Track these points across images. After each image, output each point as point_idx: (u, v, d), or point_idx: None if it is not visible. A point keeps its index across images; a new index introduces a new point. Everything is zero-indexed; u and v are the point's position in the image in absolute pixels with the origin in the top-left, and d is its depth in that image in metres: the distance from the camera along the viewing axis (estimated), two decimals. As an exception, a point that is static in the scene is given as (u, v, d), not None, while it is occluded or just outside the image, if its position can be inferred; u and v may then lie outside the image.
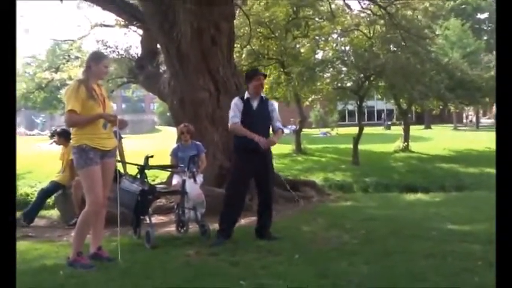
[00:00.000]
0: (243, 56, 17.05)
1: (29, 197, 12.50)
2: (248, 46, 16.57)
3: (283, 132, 5.66)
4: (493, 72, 22.17)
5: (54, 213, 8.31)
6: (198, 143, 6.74)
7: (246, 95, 5.49)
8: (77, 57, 18.92)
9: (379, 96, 24.98)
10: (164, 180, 9.03)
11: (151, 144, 20.61)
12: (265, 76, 5.70)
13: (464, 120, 48.54)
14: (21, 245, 5.55)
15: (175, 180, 6.62)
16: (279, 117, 5.62)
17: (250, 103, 5.43)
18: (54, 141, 8.97)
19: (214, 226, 5.64)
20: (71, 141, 4.65)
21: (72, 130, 4.61)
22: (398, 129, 26.67)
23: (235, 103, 5.45)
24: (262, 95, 5.60)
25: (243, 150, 5.37)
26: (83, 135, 4.42)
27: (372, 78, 18.86)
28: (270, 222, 5.58)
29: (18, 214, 7.79)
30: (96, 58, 4.66)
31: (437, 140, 25.74)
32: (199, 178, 6.33)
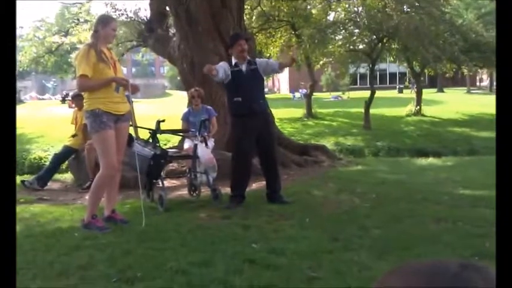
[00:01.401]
0: (253, 18, 16.81)
1: (42, 161, 12.70)
2: (258, 8, 16.31)
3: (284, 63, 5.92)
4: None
5: (68, 176, 8.41)
6: (208, 107, 6.72)
7: (233, 60, 5.48)
8: (86, 21, 18.74)
9: (392, 59, 24.63)
10: (176, 145, 9.08)
11: (161, 109, 20.64)
12: (247, 39, 5.65)
13: (478, 84, 47.87)
14: (36, 208, 5.65)
15: (187, 145, 6.64)
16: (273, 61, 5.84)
17: (239, 68, 5.42)
18: (69, 104, 9.02)
19: (226, 190, 5.68)
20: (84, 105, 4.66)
21: (85, 94, 4.61)
22: (410, 93, 26.38)
23: (221, 65, 5.45)
24: (250, 58, 5.57)
25: (239, 114, 5.42)
26: (96, 100, 4.42)
27: (384, 40, 18.59)
28: (279, 186, 5.62)
29: (32, 177, 7.93)
30: (104, 21, 4.62)
31: (450, 104, 25.50)
32: (211, 142, 6.34)
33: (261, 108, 5.45)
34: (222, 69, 5.33)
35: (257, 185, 6.47)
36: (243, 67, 5.43)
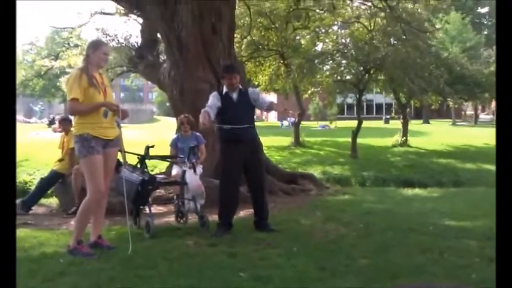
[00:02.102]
0: (243, 46, 17.04)
1: (28, 185, 12.54)
2: (248, 37, 16.56)
3: (272, 105, 5.78)
4: (492, 68, 22.21)
5: (54, 201, 8.33)
6: (198, 133, 6.75)
7: (224, 89, 5.61)
8: (76, 45, 18.88)
9: (379, 90, 24.99)
10: (163, 171, 9.05)
11: (150, 134, 20.61)
12: (238, 73, 5.73)
13: (463, 116, 48.59)
14: (20, 232, 5.56)
15: (175, 171, 6.63)
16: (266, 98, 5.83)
17: (229, 96, 5.54)
18: (54, 128, 8.98)
19: (214, 217, 5.66)
20: (72, 129, 4.67)
21: (74, 119, 4.62)
22: (397, 124, 26.70)
23: (213, 96, 5.57)
24: (241, 86, 5.67)
25: (228, 141, 5.49)
26: (85, 124, 4.43)
27: (371, 71, 18.89)
28: (267, 213, 5.64)
29: (17, 201, 7.83)
30: (95, 46, 4.66)
31: (436, 135, 25.81)
32: (199, 169, 6.35)
33: (249, 136, 5.52)
34: (213, 108, 5.40)
35: (244, 213, 6.47)
36: (234, 95, 5.54)
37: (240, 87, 5.65)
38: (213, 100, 5.49)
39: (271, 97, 46.49)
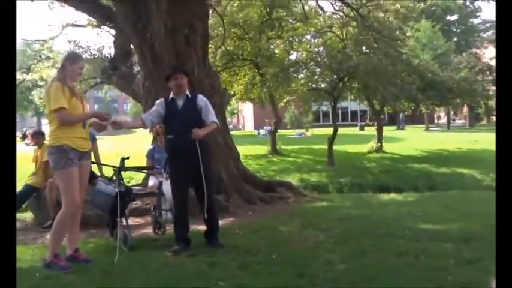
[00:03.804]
0: (218, 56, 17.06)
1: (0, 200, 12.28)
2: (222, 47, 16.59)
3: (217, 125, 5.30)
4: (463, 73, 22.72)
5: (28, 216, 8.17)
6: (174, 144, 6.72)
7: (171, 95, 5.27)
8: (48, 58, 18.62)
9: (353, 97, 25.29)
10: (139, 182, 8.98)
11: (125, 146, 20.42)
12: (186, 74, 5.36)
13: (436, 121, 49.48)
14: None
15: (152, 182, 6.60)
16: (212, 110, 5.31)
17: (175, 103, 5.20)
18: (26, 143, 8.85)
19: (192, 227, 5.64)
20: (45, 141, 4.61)
21: (50, 129, 4.54)
22: (371, 130, 27.03)
23: (157, 103, 5.29)
24: (189, 93, 5.31)
25: (171, 152, 5.22)
26: (63, 136, 4.38)
27: (345, 80, 19.09)
28: (214, 226, 5.32)
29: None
30: (72, 58, 4.65)
31: (410, 141, 26.18)
32: (176, 179, 6.31)
33: (193, 148, 4.96)
34: (153, 114, 5.17)
35: (223, 222, 6.46)
36: (180, 102, 5.21)
37: (188, 93, 5.28)
38: (155, 107, 5.23)
39: (248, 106, 46.66)
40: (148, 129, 5.30)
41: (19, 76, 18.39)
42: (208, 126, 5.17)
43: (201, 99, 5.32)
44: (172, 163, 5.22)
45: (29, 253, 5.15)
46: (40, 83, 17.02)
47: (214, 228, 5.32)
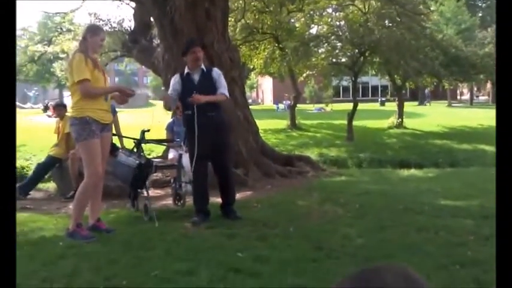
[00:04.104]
0: (237, 30, 16.92)
1: (25, 170, 12.52)
2: (242, 20, 16.44)
3: (225, 97, 5.24)
4: (487, 49, 22.18)
5: (51, 186, 8.35)
6: (193, 117, 6.74)
7: (186, 69, 5.25)
8: (69, 30, 18.71)
9: (374, 72, 24.95)
10: (159, 154, 9.07)
11: (145, 119, 20.56)
12: (203, 47, 5.29)
13: (459, 97, 48.67)
14: (19, 217, 5.58)
15: (172, 155, 6.67)
16: (224, 83, 5.26)
17: (190, 77, 5.19)
18: (48, 115, 8.98)
19: (211, 200, 5.69)
20: (66, 113, 4.67)
21: (72, 101, 4.57)
22: (392, 106, 26.74)
23: (173, 80, 5.26)
24: (204, 67, 5.27)
25: (190, 128, 5.15)
26: (86, 107, 4.42)
27: (366, 54, 18.82)
28: (232, 200, 5.38)
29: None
30: (93, 30, 4.66)
31: (432, 117, 25.85)
32: (195, 152, 6.36)
33: (211, 122, 5.03)
34: (175, 92, 5.17)
35: (241, 195, 6.51)
36: (196, 76, 5.19)
37: (203, 67, 5.25)
38: (173, 84, 5.21)
39: (267, 81, 46.44)
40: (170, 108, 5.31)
41: (41, 48, 18.58)
42: (213, 95, 5.10)
43: (216, 72, 5.29)
44: (191, 137, 5.21)
45: (52, 222, 5.28)
46: (61, 56, 17.14)
47: (230, 201, 5.36)
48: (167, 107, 5.25)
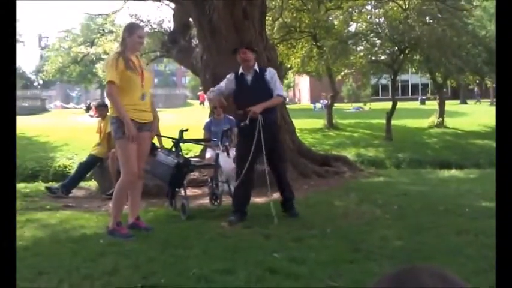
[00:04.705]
0: (275, 29, 16.91)
1: (67, 169, 12.91)
2: (280, 19, 16.41)
3: (283, 99, 5.34)
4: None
5: (92, 184, 8.57)
6: (230, 117, 6.79)
7: (240, 69, 5.29)
8: (111, 32, 19.12)
9: (414, 70, 24.47)
10: (197, 154, 9.17)
11: (183, 118, 20.83)
12: (251, 49, 5.30)
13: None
14: (62, 214, 5.79)
15: (209, 154, 6.73)
16: (279, 84, 5.30)
17: (244, 78, 5.22)
18: (90, 115, 9.21)
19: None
20: (108, 113, 4.77)
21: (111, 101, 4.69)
22: (433, 104, 26.17)
23: (228, 76, 5.33)
24: (257, 67, 5.30)
25: (242, 130, 5.19)
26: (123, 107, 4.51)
27: (406, 51, 18.49)
28: (289, 194, 5.44)
29: (57, 185, 8.12)
30: (129, 29, 4.71)
31: (473, 116, 25.16)
32: (232, 152, 6.40)
33: (263, 123, 5.02)
34: (221, 89, 5.27)
35: (277, 195, 6.50)
36: (249, 77, 5.23)
37: (256, 68, 5.28)
38: (226, 80, 5.30)
39: (304, 80, 46.22)
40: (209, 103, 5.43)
41: (83, 49, 19.05)
42: (269, 101, 5.14)
43: (269, 73, 5.31)
44: (242, 138, 5.28)
45: (93, 220, 5.41)
46: (103, 57, 17.54)
47: (287, 196, 5.44)
48: (211, 101, 5.31)
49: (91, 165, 8.07)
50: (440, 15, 16.47)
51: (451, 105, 28.81)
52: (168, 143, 6.16)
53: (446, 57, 17.05)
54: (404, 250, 3.93)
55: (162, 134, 6.71)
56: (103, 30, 20.53)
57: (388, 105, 19.75)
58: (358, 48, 19.95)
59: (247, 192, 5.29)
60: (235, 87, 5.25)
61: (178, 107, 39.95)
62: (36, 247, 4.19)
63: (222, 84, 5.36)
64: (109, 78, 4.46)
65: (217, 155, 6.00)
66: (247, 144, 5.07)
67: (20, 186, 9.05)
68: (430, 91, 37.47)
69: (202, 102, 40.32)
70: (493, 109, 31.46)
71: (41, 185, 9.03)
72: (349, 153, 14.51)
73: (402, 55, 18.80)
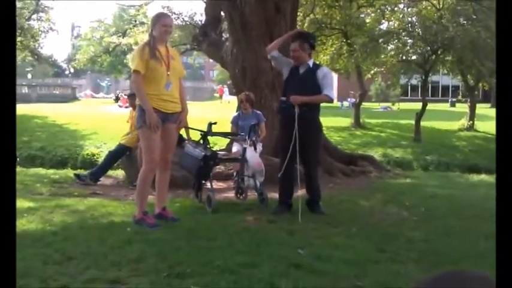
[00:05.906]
0: (306, 25, 16.83)
1: (95, 157, 13.14)
2: (311, 15, 16.33)
3: (329, 99, 5.33)
4: None
5: (120, 173, 8.68)
6: (258, 112, 6.80)
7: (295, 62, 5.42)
8: (142, 23, 19.33)
9: (445, 71, 24.05)
10: (223, 147, 9.21)
11: (210, 112, 20.93)
12: (300, 44, 5.31)
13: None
14: (90, 202, 5.89)
15: (236, 148, 6.74)
16: (330, 83, 5.39)
17: (297, 70, 5.33)
18: (119, 105, 9.30)
19: (272, 195, 5.72)
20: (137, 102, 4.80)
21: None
22: (463, 107, 25.69)
23: (288, 59, 5.47)
24: (311, 63, 5.42)
25: (282, 115, 5.44)
26: (146, 96, 4.54)
27: (439, 52, 18.19)
28: (317, 196, 5.45)
29: (85, 172, 8.26)
30: (154, 20, 4.75)
31: (505, 120, 24.57)
32: (259, 147, 6.41)
33: (300, 116, 5.10)
34: (282, 58, 5.46)
35: (302, 192, 6.48)
36: (301, 70, 5.32)
37: (310, 64, 5.37)
38: (285, 58, 5.46)
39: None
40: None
41: (115, 40, 19.32)
42: (314, 96, 5.24)
43: (321, 71, 5.41)
44: (283, 127, 5.43)
45: (120, 208, 5.49)
46: (134, 47, 17.75)
47: (313, 197, 5.45)
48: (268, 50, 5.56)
49: (120, 154, 8.16)
50: (474, 16, 16.16)
51: (481, 108, 28.24)
52: (195, 135, 6.19)
53: (479, 59, 16.73)
54: (432, 253, 3.87)
55: (190, 127, 6.75)
56: (135, 21, 20.76)
57: (417, 105, 19.49)
58: (389, 47, 19.71)
59: (290, 184, 5.39)
60: (287, 75, 5.40)
61: (205, 100, 40.16)
62: (64, 232, 4.27)
63: (283, 58, 5.49)
64: (134, 67, 4.51)
65: (245, 149, 6.00)
66: (283, 135, 5.34)
67: (50, 172, 9.25)
68: (460, 93, 36.76)
69: (221, 96, 40.53)
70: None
71: (70, 172, 9.20)
72: (376, 153, 14.38)
73: (434, 55, 18.50)
